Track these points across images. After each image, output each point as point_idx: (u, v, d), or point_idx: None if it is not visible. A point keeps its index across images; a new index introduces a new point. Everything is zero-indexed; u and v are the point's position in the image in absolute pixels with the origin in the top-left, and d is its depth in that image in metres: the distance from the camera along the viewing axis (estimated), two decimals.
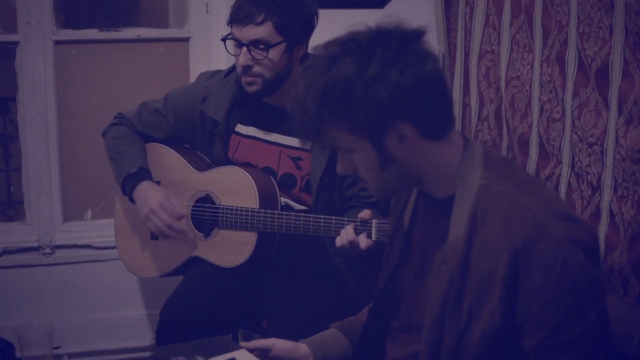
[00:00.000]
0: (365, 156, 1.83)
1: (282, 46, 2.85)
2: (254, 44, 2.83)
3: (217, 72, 3.14)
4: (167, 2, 3.89)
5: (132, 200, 3.05)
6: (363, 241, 2.69)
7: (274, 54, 2.84)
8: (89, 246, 3.79)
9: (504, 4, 3.21)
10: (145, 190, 3.00)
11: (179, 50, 3.79)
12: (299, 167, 2.99)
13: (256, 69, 2.86)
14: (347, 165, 1.89)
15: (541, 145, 3.02)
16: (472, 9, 3.44)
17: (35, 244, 3.73)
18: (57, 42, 3.64)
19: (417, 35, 1.81)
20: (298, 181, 2.99)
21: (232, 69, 3.07)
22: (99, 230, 3.81)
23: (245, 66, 2.86)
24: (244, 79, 2.90)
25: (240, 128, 3.05)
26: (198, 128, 3.08)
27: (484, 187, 1.86)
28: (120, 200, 3.20)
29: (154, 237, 3.12)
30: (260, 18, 2.81)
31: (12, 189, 3.88)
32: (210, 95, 3.05)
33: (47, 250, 3.74)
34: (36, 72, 3.62)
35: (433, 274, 1.91)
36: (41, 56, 3.61)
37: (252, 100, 3.00)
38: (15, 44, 3.61)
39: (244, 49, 2.84)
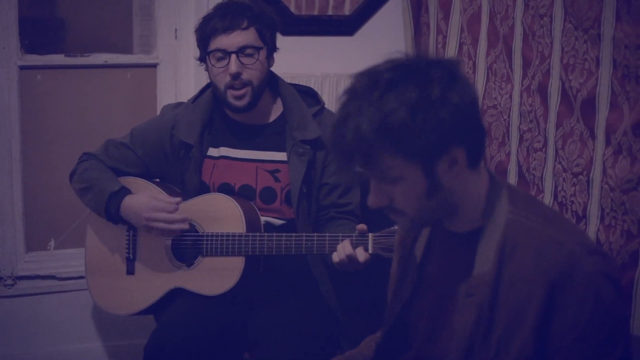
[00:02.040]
0: (412, 184, 1.80)
1: (265, 51, 2.93)
2: (242, 49, 2.88)
3: (181, 103, 3.18)
4: (132, 28, 3.83)
5: (119, 220, 2.99)
6: (361, 254, 2.71)
7: (262, 57, 2.91)
8: (52, 277, 3.69)
9: (480, 34, 3.24)
10: (132, 203, 2.97)
11: (147, 76, 3.74)
12: (277, 179, 2.99)
13: (245, 76, 2.90)
14: (383, 196, 1.85)
15: (520, 174, 3.05)
16: (444, 37, 3.47)
17: None
18: (22, 67, 3.56)
19: (458, 63, 1.84)
20: (278, 193, 2.99)
21: (200, 94, 3.10)
22: (63, 261, 3.72)
23: (236, 73, 2.87)
24: (233, 93, 2.91)
25: (212, 151, 3.04)
26: (169, 157, 3.06)
27: (511, 221, 1.87)
28: (91, 234, 3.12)
29: (130, 271, 3.05)
30: (245, 24, 2.90)
31: None
32: (179, 122, 3.04)
33: (9, 282, 3.64)
34: (0, 97, 3.52)
35: (458, 307, 1.91)
36: (5, 81, 3.52)
37: (224, 120, 3.03)
38: None
39: (233, 56, 2.88)
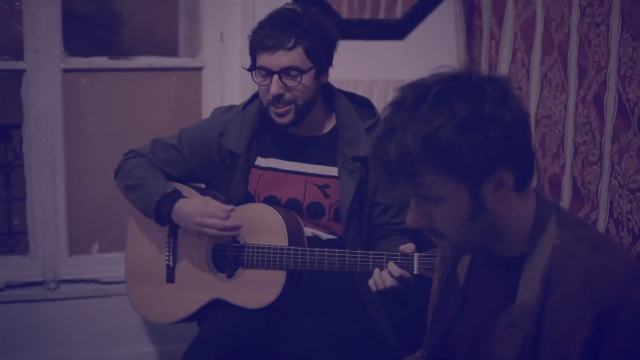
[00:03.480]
0: (455, 205, 1.72)
1: (313, 72, 2.77)
2: (286, 71, 2.74)
3: (232, 106, 3.05)
4: (178, 31, 3.77)
5: (169, 223, 2.92)
6: (404, 276, 2.63)
7: (306, 80, 2.76)
8: (95, 281, 3.67)
9: (534, 41, 3.12)
10: (184, 207, 2.87)
11: (192, 80, 3.68)
12: (327, 195, 2.89)
13: (288, 96, 2.76)
14: (423, 217, 1.77)
15: (575, 187, 2.93)
16: (497, 43, 3.36)
17: (40, 279, 3.61)
18: (66, 70, 3.52)
19: (509, 80, 1.76)
20: (327, 210, 2.89)
21: (250, 100, 2.98)
22: (106, 265, 3.69)
23: (277, 95, 2.75)
24: (275, 110, 2.79)
25: (260, 161, 2.95)
26: (216, 163, 2.97)
27: (559, 247, 1.78)
28: (131, 241, 3.07)
29: (169, 279, 3.00)
30: (291, 43, 2.73)
31: (15, 221, 3.74)
32: (228, 129, 2.94)
33: (52, 285, 3.62)
34: (43, 101, 3.50)
35: (499, 337, 1.82)
36: (49, 85, 3.49)
37: (274, 130, 2.91)
38: (21, 71, 3.48)
39: (275, 77, 2.74)
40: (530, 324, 1.77)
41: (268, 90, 2.76)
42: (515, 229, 1.80)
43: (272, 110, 2.80)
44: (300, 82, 2.74)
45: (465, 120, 1.64)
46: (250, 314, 2.87)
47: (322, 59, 2.79)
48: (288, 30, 2.72)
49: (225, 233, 2.84)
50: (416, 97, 1.68)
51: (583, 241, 1.79)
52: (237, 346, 2.81)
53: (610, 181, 2.74)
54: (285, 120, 2.80)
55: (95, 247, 3.72)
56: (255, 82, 2.82)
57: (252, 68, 2.81)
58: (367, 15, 3.74)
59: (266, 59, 2.74)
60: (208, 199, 2.89)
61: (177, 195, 2.90)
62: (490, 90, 1.67)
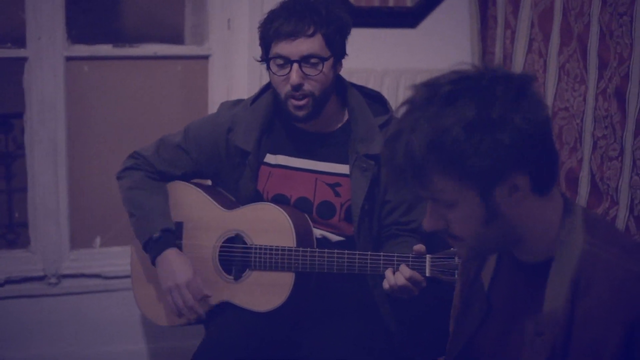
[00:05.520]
0: (468, 210, 1.65)
1: (331, 61, 2.67)
2: (306, 59, 2.62)
3: (240, 100, 2.93)
4: (184, 18, 3.67)
5: (153, 264, 2.83)
6: (416, 279, 2.53)
7: (327, 68, 2.65)
8: (97, 276, 3.57)
9: (552, 31, 3.02)
10: (173, 262, 2.79)
11: (198, 68, 3.59)
12: (337, 194, 2.78)
13: (307, 86, 2.64)
14: (439, 220, 1.71)
15: (593, 183, 2.84)
16: (513, 32, 3.26)
17: (41, 273, 3.51)
18: (69, 58, 3.41)
19: (531, 79, 1.67)
20: (337, 209, 2.79)
21: (259, 94, 2.86)
22: (109, 259, 3.59)
23: (297, 85, 2.63)
24: (294, 103, 2.66)
25: (269, 158, 2.83)
26: (224, 161, 2.86)
27: (587, 253, 1.69)
28: (137, 248, 2.96)
29: None
30: (311, 30, 2.61)
31: (15, 213, 3.65)
32: (236, 125, 2.83)
33: (53, 280, 3.52)
34: (46, 89, 3.39)
35: (526, 346, 1.74)
36: (51, 73, 3.38)
37: (284, 126, 2.80)
38: (24, 59, 3.38)
39: (295, 65, 2.62)
40: (559, 332, 1.69)
41: (287, 80, 2.65)
42: (539, 233, 1.72)
43: (291, 103, 2.68)
44: (321, 71, 2.64)
45: (472, 124, 1.58)
46: (259, 317, 2.76)
47: (339, 48, 2.69)
48: (307, 17, 2.62)
49: (187, 312, 2.80)
50: (427, 97, 1.63)
51: (613, 246, 1.70)
52: (245, 351, 2.71)
53: (632, 177, 2.66)
54: (303, 112, 2.68)
55: (98, 240, 3.63)
56: (271, 72, 2.69)
57: (267, 58, 2.69)
58: (377, 3, 3.64)
59: (284, 47, 2.63)
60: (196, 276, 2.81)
61: (166, 240, 2.81)
62: (501, 92, 1.61)
